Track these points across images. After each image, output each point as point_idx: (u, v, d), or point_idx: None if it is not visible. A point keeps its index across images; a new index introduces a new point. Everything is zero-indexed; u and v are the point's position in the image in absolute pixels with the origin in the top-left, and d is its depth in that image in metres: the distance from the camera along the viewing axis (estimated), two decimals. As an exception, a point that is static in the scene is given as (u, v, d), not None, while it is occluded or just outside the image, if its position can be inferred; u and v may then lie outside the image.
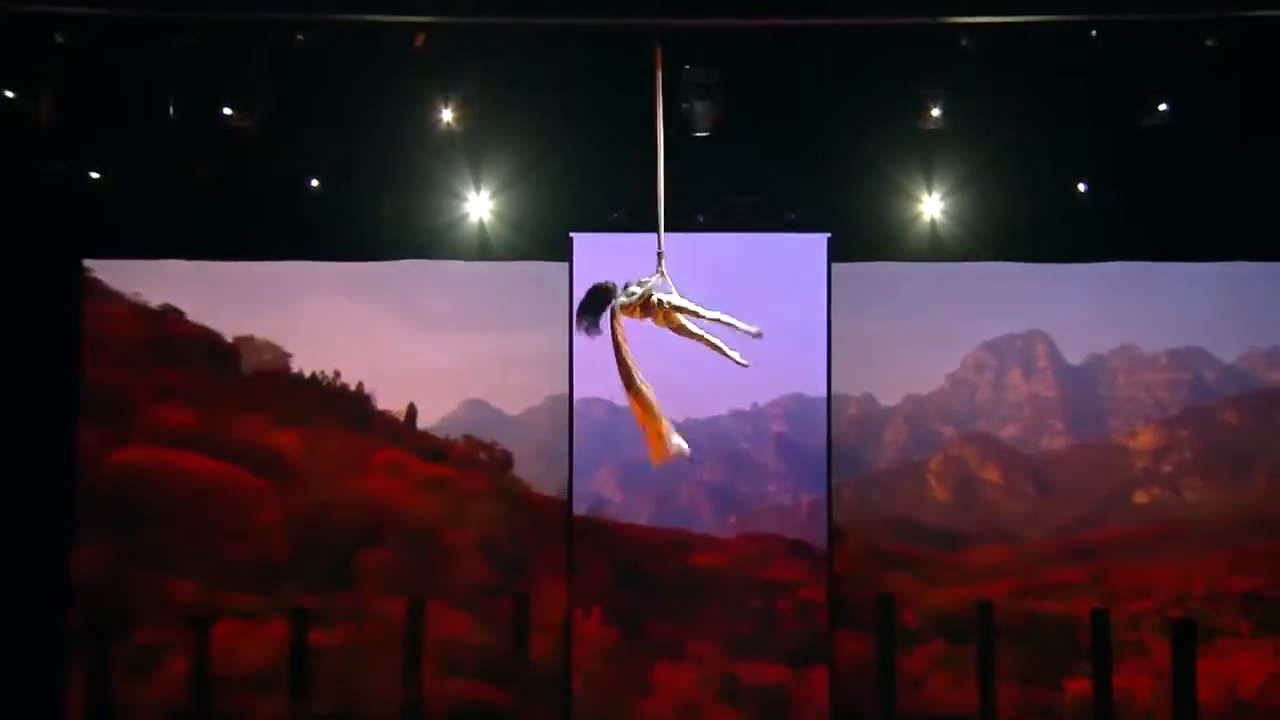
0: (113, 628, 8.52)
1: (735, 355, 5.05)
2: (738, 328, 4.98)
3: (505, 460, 9.68)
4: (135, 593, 8.92)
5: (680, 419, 9.14)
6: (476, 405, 9.69)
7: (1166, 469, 9.54)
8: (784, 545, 9.57)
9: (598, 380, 9.15)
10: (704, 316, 5.02)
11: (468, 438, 9.70)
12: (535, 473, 9.67)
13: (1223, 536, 9.20)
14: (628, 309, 4.90)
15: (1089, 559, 9.22)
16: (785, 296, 9.34)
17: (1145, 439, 9.63)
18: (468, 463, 9.69)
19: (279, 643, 8.75)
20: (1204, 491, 9.43)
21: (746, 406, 9.86)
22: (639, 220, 5.45)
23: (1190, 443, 9.53)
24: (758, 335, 5.03)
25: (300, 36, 7.37)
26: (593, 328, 4.87)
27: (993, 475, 9.85)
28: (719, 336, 5.13)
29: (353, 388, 9.66)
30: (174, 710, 8.76)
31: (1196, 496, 9.44)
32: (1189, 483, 9.52)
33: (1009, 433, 9.84)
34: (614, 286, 4.92)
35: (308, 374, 9.61)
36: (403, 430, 9.68)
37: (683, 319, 5.00)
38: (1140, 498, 9.58)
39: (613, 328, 4.88)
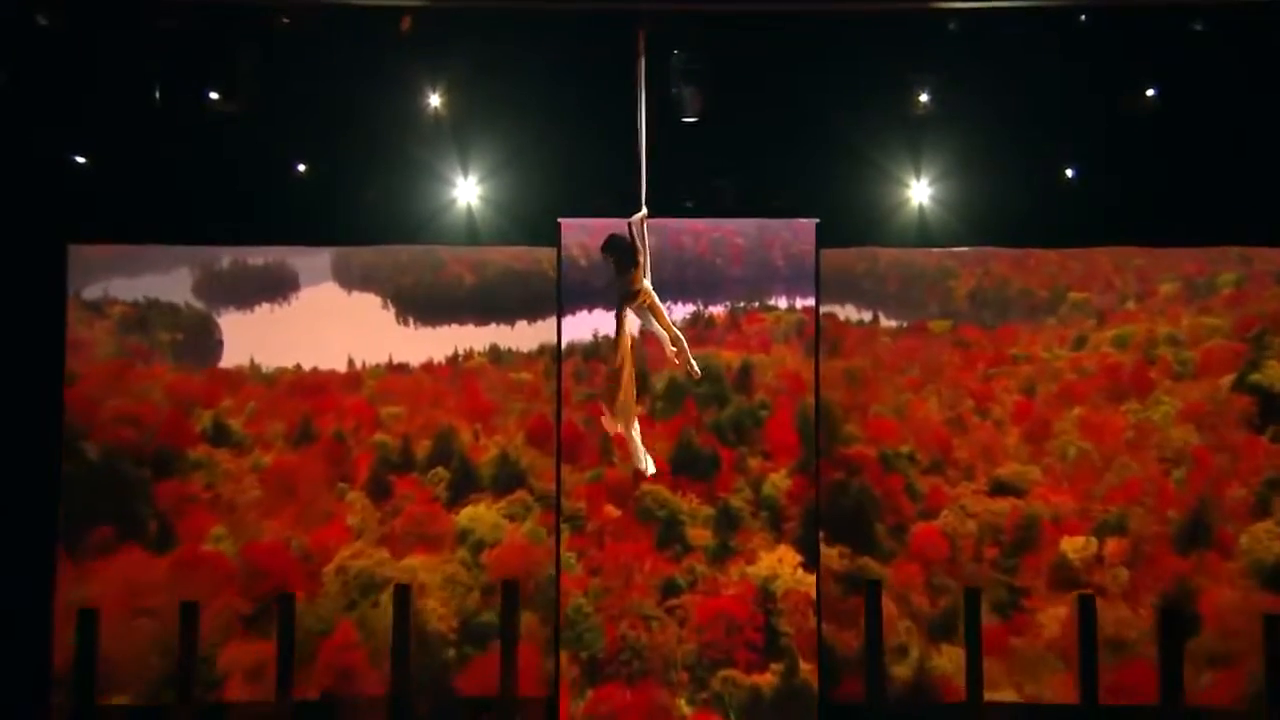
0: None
1: (694, 364, 5.79)
2: (688, 359, 5.74)
3: (490, 465, 9.35)
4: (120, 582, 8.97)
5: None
6: (461, 399, 9.58)
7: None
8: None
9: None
10: (668, 325, 5.74)
11: (441, 445, 9.36)
12: (518, 475, 9.36)
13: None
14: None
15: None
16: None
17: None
18: (438, 473, 9.30)
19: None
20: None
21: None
22: (627, 206, 5.82)
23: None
24: (699, 377, 5.95)
25: (286, 20, 7.72)
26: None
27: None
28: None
29: (331, 380, 9.42)
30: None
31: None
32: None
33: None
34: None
35: (288, 366, 9.50)
36: (374, 430, 9.36)
37: (657, 304, 5.50)
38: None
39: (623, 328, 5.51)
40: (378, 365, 9.63)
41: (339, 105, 8.50)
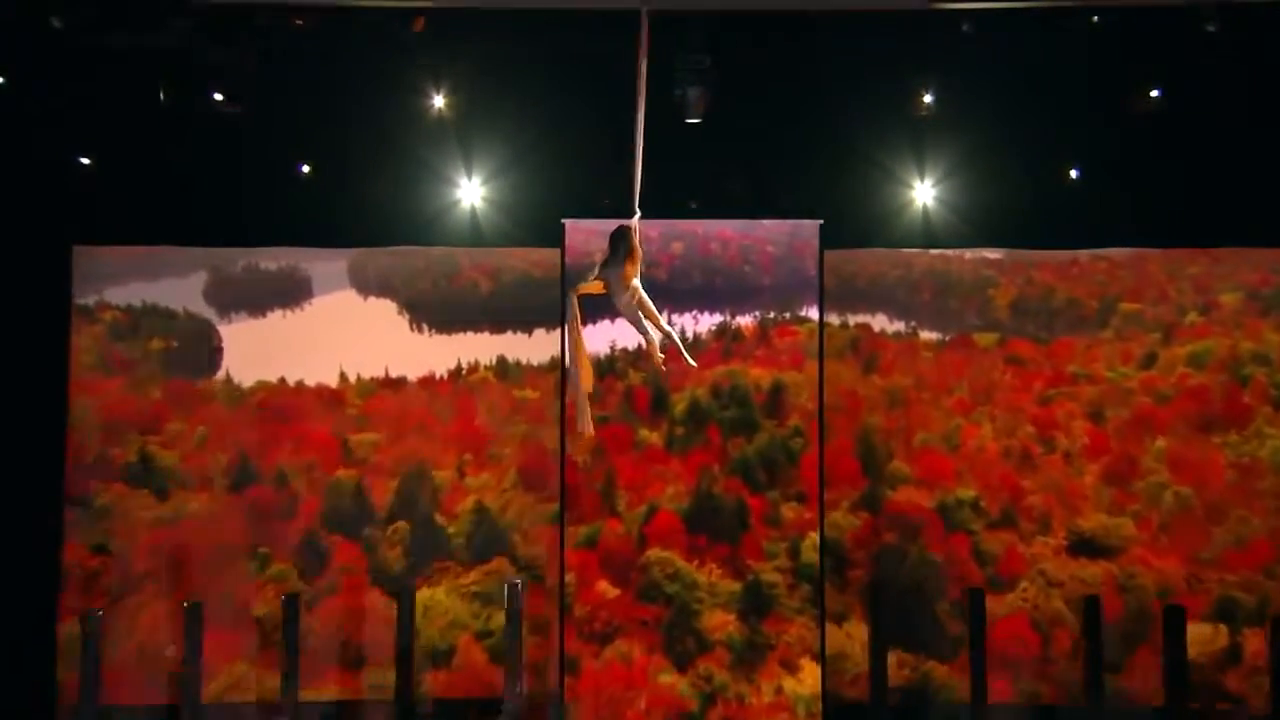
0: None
1: (688, 356, 6.16)
2: (681, 352, 6.08)
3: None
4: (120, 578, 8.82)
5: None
6: (454, 422, 9.24)
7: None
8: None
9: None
10: (659, 322, 6.11)
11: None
12: (497, 536, 8.66)
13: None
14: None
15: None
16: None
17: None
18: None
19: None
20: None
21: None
22: (629, 206, 6.02)
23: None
24: (695, 366, 6.29)
25: (300, 21, 8.09)
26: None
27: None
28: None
29: (310, 398, 9.07)
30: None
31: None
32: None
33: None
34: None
35: (271, 380, 9.20)
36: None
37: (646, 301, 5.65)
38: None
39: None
40: (372, 379, 9.36)
41: (343, 107, 9.12)
